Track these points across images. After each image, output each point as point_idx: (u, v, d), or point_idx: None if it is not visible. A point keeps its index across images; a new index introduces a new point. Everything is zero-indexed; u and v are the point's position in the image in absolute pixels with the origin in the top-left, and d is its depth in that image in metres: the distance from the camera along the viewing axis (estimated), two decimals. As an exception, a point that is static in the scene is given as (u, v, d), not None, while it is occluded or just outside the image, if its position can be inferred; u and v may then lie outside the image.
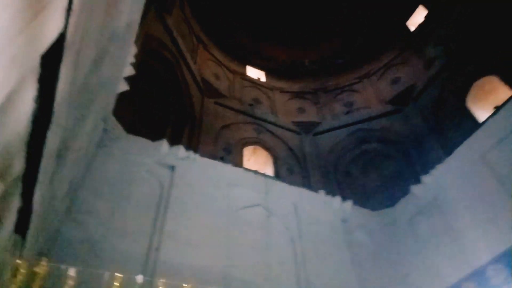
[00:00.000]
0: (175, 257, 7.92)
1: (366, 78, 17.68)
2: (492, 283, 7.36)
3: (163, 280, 6.45)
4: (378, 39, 18.68)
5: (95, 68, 6.15)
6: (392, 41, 17.88)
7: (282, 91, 18.54)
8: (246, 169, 11.98)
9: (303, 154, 15.11)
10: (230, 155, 13.36)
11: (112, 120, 9.75)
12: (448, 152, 11.79)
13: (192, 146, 12.07)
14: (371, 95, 16.85)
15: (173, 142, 10.88)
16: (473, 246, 9.43)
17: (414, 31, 16.75)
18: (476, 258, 8.97)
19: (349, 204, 12.38)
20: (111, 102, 9.43)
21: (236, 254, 9.02)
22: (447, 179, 11.14)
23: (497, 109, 10.62)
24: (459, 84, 12.98)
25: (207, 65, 17.04)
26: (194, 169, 10.51)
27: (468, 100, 12.50)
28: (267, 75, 19.54)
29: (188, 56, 15.20)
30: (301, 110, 17.57)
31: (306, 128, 16.38)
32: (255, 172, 11.99)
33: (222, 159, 12.42)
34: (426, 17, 16.28)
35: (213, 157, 11.87)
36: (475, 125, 11.44)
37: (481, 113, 11.90)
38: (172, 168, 10.14)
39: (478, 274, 7.97)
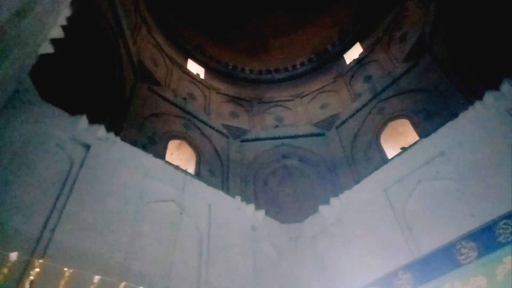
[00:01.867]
0: (71, 240, 7.37)
1: (299, 97, 18.52)
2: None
3: (41, 261, 5.93)
4: (317, 63, 19.74)
5: (16, 20, 5.54)
6: (329, 68, 19.05)
7: (218, 92, 18.53)
8: (167, 163, 11.68)
9: (227, 158, 15.21)
10: (154, 145, 12.91)
11: (27, 82, 8.82)
12: (357, 180, 12.88)
13: (115, 128, 11.40)
14: (300, 115, 17.68)
15: (94, 120, 10.17)
16: (362, 268, 10.35)
17: (349, 64, 18.07)
18: (363, 279, 9.87)
19: (261, 213, 12.75)
20: (29, 62, 8.52)
21: (140, 247, 8.71)
22: (352, 204, 12.12)
23: (403, 150, 11.93)
24: (376, 121, 14.32)
25: (147, 49, 16.35)
26: (111, 152, 9.95)
27: (382, 137, 13.83)
28: (206, 73, 19.37)
29: (128, 34, 14.41)
30: (233, 115, 17.72)
31: (235, 133, 16.54)
32: (176, 167, 11.74)
33: (144, 147, 11.94)
34: (360, 54, 17.71)
35: (135, 143, 11.36)
36: (383, 160, 12.67)
37: (390, 151, 13.24)
38: (88, 147, 9.48)
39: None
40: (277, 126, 17.48)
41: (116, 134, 10.66)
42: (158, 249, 9.10)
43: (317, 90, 18.36)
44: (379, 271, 9.00)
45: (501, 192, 8.23)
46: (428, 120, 12.57)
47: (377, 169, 12.28)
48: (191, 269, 9.46)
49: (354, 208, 11.94)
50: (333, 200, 12.67)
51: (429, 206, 10.04)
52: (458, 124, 10.52)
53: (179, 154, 14.40)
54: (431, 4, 13.69)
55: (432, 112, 12.59)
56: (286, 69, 20.16)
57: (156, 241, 9.24)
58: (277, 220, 13.42)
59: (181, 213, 10.31)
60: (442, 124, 11.08)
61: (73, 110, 9.73)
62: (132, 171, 10.02)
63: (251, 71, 20.40)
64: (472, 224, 7.49)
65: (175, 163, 12.52)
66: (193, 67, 18.93)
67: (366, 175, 12.54)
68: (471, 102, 10.71)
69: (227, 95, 18.73)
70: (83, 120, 9.67)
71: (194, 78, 18.15)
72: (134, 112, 13.18)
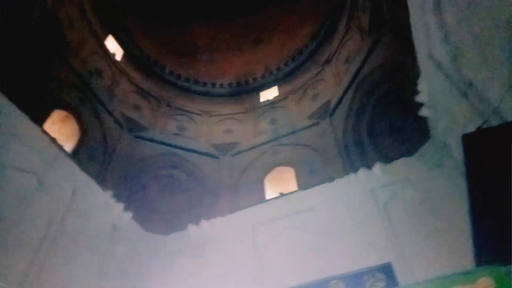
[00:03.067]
0: None
1: (208, 115, 18.69)
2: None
3: None
4: (235, 90, 20.31)
5: None
6: (243, 98, 19.73)
7: (130, 80, 17.61)
8: (43, 131, 10.47)
9: (114, 149, 14.31)
10: (36, 108, 11.45)
11: None
12: (233, 210, 13.29)
13: (-7, 73, 9.89)
14: (203, 132, 17.77)
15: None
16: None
17: (262, 102, 19.03)
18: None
19: (128, 215, 12.18)
20: None
21: (-29, 213, 7.48)
22: (220, 232, 12.41)
23: (280, 195, 12.84)
24: (267, 162, 15.24)
25: (68, 7, 14.84)
26: (-22, 98, 8.56)
27: (267, 178, 14.70)
28: (125, 57, 18.34)
29: (51, -18, 12.96)
30: (137, 108, 16.94)
31: (132, 127, 15.78)
32: (52, 139, 10.59)
33: (22, 107, 10.52)
34: (275, 97, 18.87)
35: (13, 100, 9.92)
36: (262, 199, 13.42)
37: (270, 193, 14.11)
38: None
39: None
40: (177, 134, 17.24)
41: (-6, 83, 9.24)
42: (-6, 222, 7.92)
43: (227, 114, 18.81)
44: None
45: (340, 255, 9.42)
46: (310, 175, 13.81)
47: (254, 205, 12.94)
48: (27, 252, 8.41)
49: (221, 236, 12.23)
50: (203, 222, 12.80)
51: (286, 252, 10.85)
52: (331, 188, 11.83)
53: (62, 128, 13.05)
54: (343, 78, 15.51)
55: (315, 169, 13.90)
56: (204, 84, 20.29)
57: (-4, 212, 8.05)
58: (144, 227, 12.93)
59: (37, 189, 9.23)
60: (319, 183, 12.35)
61: None
62: (-4, 127, 8.73)
63: (171, 72, 20.01)
64: (312, 276, 8.34)
65: (54, 135, 11.29)
66: (112, 45, 17.78)
67: (242, 208, 13.07)
68: (347, 172, 12.22)
69: (138, 86, 17.92)
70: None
71: (109, 56, 16.98)
72: (25, 66, 11.65)
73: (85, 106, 13.92)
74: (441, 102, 8.91)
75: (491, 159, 3.73)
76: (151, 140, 16.05)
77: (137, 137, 15.75)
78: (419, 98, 9.93)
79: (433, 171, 10.39)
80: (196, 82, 20.18)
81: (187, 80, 20.01)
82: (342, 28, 16.93)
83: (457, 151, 8.65)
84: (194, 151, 16.41)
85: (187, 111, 18.65)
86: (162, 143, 16.21)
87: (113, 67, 16.95)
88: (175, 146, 16.32)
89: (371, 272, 5.82)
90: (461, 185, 4.07)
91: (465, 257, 4.90)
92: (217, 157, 16.40)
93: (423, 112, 10.14)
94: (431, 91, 9.31)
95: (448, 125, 9.14)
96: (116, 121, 15.21)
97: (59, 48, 13.62)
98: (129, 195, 13.75)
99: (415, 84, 10.07)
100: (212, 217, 13.10)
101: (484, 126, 4.58)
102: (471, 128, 4.14)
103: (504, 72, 5.40)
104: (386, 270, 5.83)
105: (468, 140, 3.70)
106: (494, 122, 5.94)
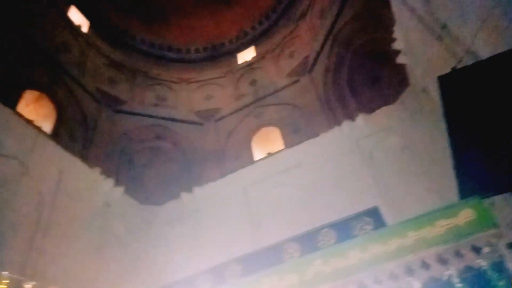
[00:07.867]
0: None
1: (186, 82, 18.21)
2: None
3: None
4: (211, 54, 19.76)
5: None
6: (221, 62, 19.21)
7: (100, 52, 16.84)
8: (17, 113, 10.13)
9: (95, 125, 13.99)
10: (6, 91, 11.00)
11: None
12: (223, 174, 13.46)
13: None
14: (183, 100, 17.43)
15: None
16: (205, 256, 10.87)
17: (240, 64, 18.66)
18: (204, 265, 10.36)
19: (120, 190, 12.27)
20: None
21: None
22: (213, 196, 12.61)
23: (268, 155, 13.05)
24: (252, 124, 15.32)
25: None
26: None
27: (253, 140, 14.83)
28: (92, 28, 17.39)
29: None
30: (112, 81, 16.40)
31: (110, 101, 15.36)
32: (28, 121, 10.30)
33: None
34: (252, 58, 18.50)
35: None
36: (250, 161, 13.63)
37: (258, 153, 14.29)
38: None
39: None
40: (157, 105, 16.92)
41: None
42: (-17, 210, 7.85)
43: (205, 80, 18.42)
44: (219, 261, 9.61)
45: (329, 206, 9.73)
46: (295, 133, 13.98)
47: (243, 167, 13.14)
48: (23, 238, 8.43)
49: (214, 200, 12.45)
50: (196, 189, 12.98)
51: (277, 209, 11.18)
52: (317, 143, 12.04)
53: (37, 108, 12.63)
54: (318, 33, 15.28)
55: (300, 127, 14.06)
56: (179, 51, 19.66)
57: (-17, 200, 7.96)
58: (137, 200, 13.02)
59: (23, 174, 9.10)
60: (305, 140, 12.54)
61: None
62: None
63: (142, 41, 19.24)
64: (305, 228, 8.67)
65: (30, 117, 10.96)
66: (76, 17, 16.79)
67: (232, 171, 13.24)
68: (331, 126, 12.40)
69: (110, 58, 17.20)
70: None
71: (74, 28, 16.09)
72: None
73: (57, 83, 13.39)
74: (417, 47, 8.96)
75: (467, 97, 3.85)
76: (131, 113, 15.74)
77: (116, 111, 15.41)
78: (396, 45, 9.95)
79: (414, 117, 10.60)
80: (170, 49, 19.52)
81: (161, 47, 19.32)
82: (314, -19, 16.40)
83: (436, 94, 8.84)
84: (176, 120, 16.24)
85: (164, 80, 18.16)
86: (143, 115, 15.94)
87: (81, 40, 16.15)
88: (157, 117, 16.09)
89: (359, 217, 6.10)
90: (442, 127, 4.18)
91: (449, 195, 5.15)
92: (201, 124, 16.31)
93: (401, 59, 10.21)
94: (407, 38, 9.33)
95: (425, 69, 9.25)
96: (92, 96, 14.76)
97: (19, 23, 12.83)
98: (117, 171, 13.67)
99: (391, 33, 10.05)
100: (203, 183, 13.26)
101: (459, 66, 4.67)
102: (447, 70, 4.21)
103: (476, 11, 5.44)
104: (373, 214, 6.11)
105: (444, 81, 3.78)
106: (469, 61, 6.06)
